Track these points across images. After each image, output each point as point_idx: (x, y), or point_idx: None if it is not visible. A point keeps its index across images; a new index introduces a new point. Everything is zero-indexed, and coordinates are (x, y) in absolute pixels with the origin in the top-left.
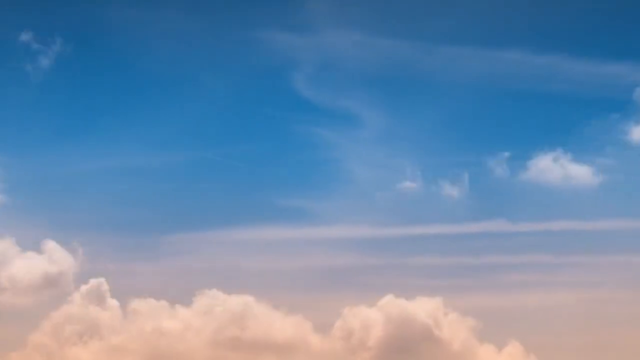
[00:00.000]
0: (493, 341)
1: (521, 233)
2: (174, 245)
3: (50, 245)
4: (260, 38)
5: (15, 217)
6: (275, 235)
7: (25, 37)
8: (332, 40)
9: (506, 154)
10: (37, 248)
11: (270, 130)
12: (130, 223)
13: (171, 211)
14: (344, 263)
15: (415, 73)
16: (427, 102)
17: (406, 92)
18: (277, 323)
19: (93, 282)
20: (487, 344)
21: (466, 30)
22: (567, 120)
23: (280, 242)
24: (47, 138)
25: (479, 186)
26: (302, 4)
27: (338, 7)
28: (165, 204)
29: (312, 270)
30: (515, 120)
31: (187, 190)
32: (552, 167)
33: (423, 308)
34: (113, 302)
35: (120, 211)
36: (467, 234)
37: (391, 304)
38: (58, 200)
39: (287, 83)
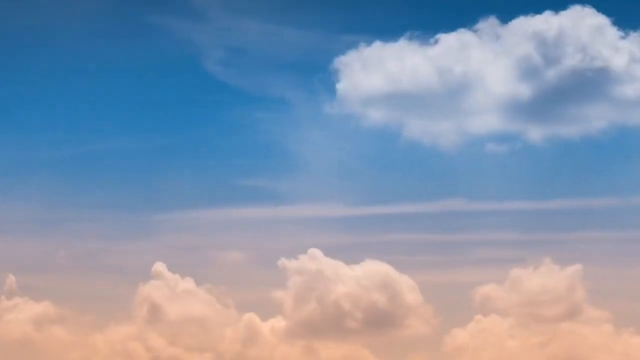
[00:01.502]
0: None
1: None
2: (149, 226)
3: None
4: (159, 25)
5: None
6: (247, 215)
7: None
8: (233, 28)
9: None
10: None
11: (204, 116)
12: (103, 205)
13: (138, 194)
14: (319, 242)
15: (324, 60)
16: None
17: (322, 77)
18: None
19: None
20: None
21: (364, 21)
22: None
23: (254, 222)
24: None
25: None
26: None
27: None
28: (129, 188)
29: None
30: None
31: (145, 174)
32: None
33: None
34: None
35: (87, 194)
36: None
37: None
38: None
39: (202, 69)
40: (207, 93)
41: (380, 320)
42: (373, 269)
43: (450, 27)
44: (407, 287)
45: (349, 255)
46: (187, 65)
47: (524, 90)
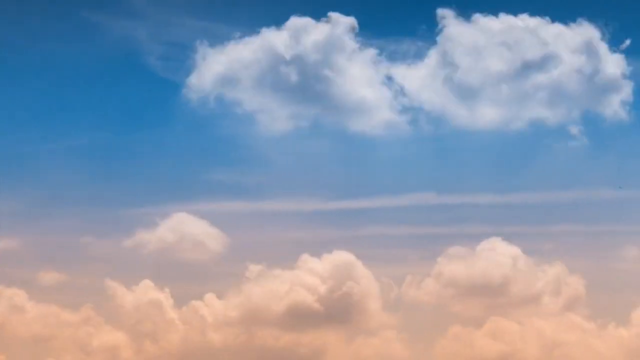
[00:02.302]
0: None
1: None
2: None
3: None
4: (95, 23)
5: None
6: (220, 209)
7: None
8: (172, 25)
9: None
10: None
11: (153, 113)
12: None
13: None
14: (297, 236)
15: None
16: None
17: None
18: None
19: None
20: None
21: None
22: None
23: (228, 216)
24: None
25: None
26: None
27: None
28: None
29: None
30: None
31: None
32: None
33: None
34: None
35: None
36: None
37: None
38: None
39: (144, 66)
40: (152, 90)
41: (348, 311)
42: (340, 260)
43: None
44: (375, 278)
45: (323, 248)
46: (129, 62)
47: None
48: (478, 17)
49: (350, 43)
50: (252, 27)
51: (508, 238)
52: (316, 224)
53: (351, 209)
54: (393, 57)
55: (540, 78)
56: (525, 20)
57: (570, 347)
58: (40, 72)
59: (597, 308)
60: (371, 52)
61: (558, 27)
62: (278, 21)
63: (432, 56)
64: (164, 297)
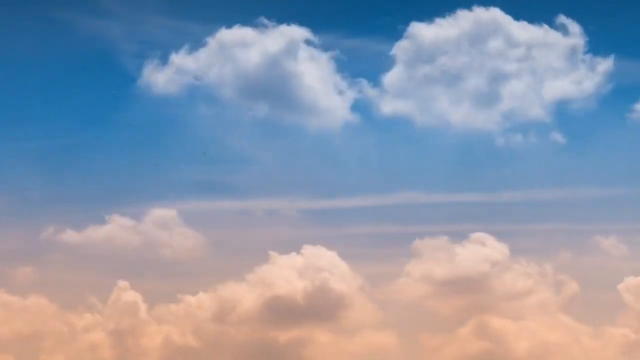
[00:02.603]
0: None
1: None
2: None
3: None
4: (67, 23)
5: None
6: (204, 208)
7: None
8: (143, 24)
9: None
10: None
11: (126, 112)
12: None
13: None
14: (278, 233)
15: None
16: None
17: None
18: None
19: None
20: None
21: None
22: None
23: (208, 215)
24: None
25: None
26: None
27: None
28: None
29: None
30: None
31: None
32: None
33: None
34: None
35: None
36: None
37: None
38: None
39: (119, 66)
40: (124, 88)
41: (331, 308)
42: (322, 258)
43: None
44: (359, 276)
45: (303, 246)
46: (102, 62)
47: None
48: (441, 16)
49: (314, 46)
50: (224, 25)
51: (495, 236)
52: (296, 223)
53: (333, 208)
54: (358, 59)
55: (513, 75)
56: (495, 15)
57: (558, 345)
58: (12, 72)
59: (584, 306)
60: (335, 54)
61: (533, 24)
62: (248, 21)
63: (400, 56)
64: (142, 297)
